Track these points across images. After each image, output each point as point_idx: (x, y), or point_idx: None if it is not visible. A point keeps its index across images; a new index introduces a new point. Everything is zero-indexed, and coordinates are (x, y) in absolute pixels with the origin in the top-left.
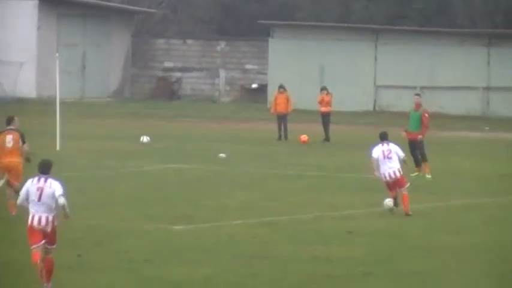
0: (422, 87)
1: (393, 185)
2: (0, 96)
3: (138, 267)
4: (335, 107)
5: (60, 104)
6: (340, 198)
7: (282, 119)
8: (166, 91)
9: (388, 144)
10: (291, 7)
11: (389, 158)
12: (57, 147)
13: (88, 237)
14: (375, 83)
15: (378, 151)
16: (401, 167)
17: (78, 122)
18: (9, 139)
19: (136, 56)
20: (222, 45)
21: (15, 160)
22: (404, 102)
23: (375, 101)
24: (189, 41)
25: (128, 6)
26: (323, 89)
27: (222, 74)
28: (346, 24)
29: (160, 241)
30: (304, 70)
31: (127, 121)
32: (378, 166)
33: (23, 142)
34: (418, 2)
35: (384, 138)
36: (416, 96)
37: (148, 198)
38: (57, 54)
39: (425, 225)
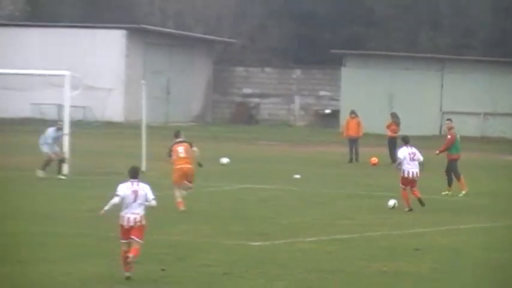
0: (485, 114)
1: (409, 183)
2: (90, 119)
3: (218, 280)
4: (403, 131)
5: (146, 127)
6: (407, 217)
7: (353, 142)
8: (245, 116)
9: (411, 148)
10: (362, 38)
11: (413, 160)
12: (143, 168)
13: (171, 252)
14: (441, 109)
15: (404, 152)
16: (420, 169)
17: (163, 144)
18: (181, 150)
19: (217, 83)
20: (297, 73)
21: (189, 166)
22: (468, 128)
23: (440, 126)
24: (267, 69)
25: (210, 37)
26: (392, 115)
27: (297, 100)
28: (413, 54)
29: (238, 256)
30: (374, 97)
31: (208, 144)
32: (402, 164)
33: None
34: (481, 32)
35: (407, 141)
36: (448, 121)
37: (227, 216)
38: (143, 81)
39: (486, 242)
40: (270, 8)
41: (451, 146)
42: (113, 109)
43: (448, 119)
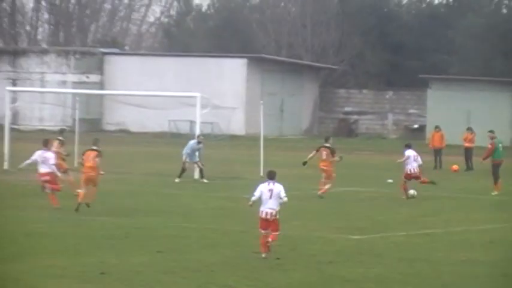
0: None
1: (412, 177)
2: (217, 133)
3: (324, 267)
4: (477, 143)
5: (263, 139)
6: (483, 215)
7: (437, 152)
8: (346, 130)
9: (413, 151)
10: (445, 64)
11: (416, 161)
12: (261, 173)
13: (285, 244)
14: (510, 125)
15: (410, 153)
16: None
17: (277, 153)
18: (324, 154)
19: (323, 102)
20: (390, 94)
21: (329, 169)
22: None
23: (510, 138)
24: (364, 91)
25: (317, 64)
26: (468, 129)
27: (390, 116)
28: (488, 78)
29: (340, 247)
30: (454, 114)
31: None
32: (407, 163)
33: (333, 155)
34: None
35: (410, 146)
36: (489, 133)
37: (331, 213)
38: (261, 101)
39: None
40: (367, 39)
41: (492, 153)
42: (236, 124)
43: (490, 131)
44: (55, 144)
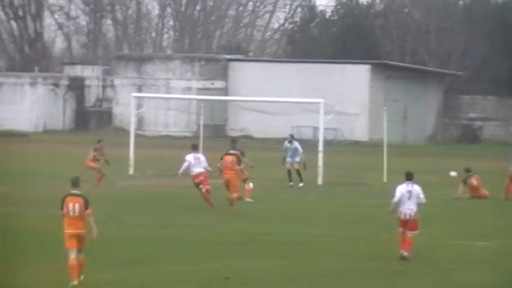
0: None
1: None
2: (340, 139)
3: (450, 274)
4: None
5: (387, 146)
6: None
7: None
8: (470, 136)
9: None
10: None
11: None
12: (384, 180)
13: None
14: None
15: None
16: None
17: (401, 160)
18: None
19: (447, 109)
20: None
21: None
22: None
23: None
24: (489, 97)
25: (441, 70)
26: None
27: None
28: None
29: (465, 254)
30: None
31: (438, 159)
32: None
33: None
34: None
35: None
36: None
37: (454, 219)
38: (384, 107)
39: None
40: (492, 45)
41: None
42: (359, 130)
43: None
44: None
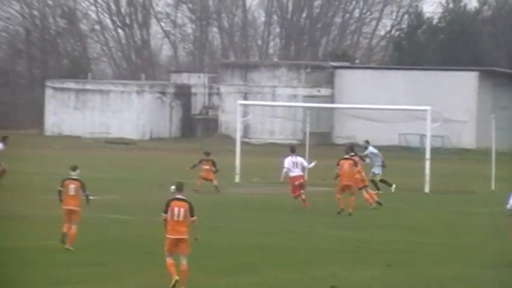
0: None
1: None
2: (448, 147)
3: None
4: None
5: (495, 153)
6: None
7: None
8: None
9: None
10: None
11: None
12: (492, 188)
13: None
14: None
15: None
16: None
17: (509, 168)
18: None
19: None
20: None
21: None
22: None
23: None
24: None
25: None
26: None
27: None
28: None
29: None
30: None
31: None
32: None
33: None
34: None
35: None
36: None
37: None
38: (493, 115)
39: None
40: None
41: None
42: (467, 138)
43: None
44: None
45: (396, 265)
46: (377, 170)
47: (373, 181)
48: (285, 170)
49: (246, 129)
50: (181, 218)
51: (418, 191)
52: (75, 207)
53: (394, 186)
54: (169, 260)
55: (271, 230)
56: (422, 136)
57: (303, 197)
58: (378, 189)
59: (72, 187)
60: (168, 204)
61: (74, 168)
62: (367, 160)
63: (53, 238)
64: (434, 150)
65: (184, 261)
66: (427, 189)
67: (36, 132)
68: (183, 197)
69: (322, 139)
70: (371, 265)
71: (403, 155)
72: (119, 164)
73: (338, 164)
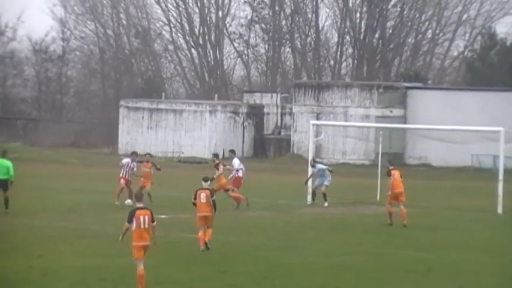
0: None
1: None
2: None
3: None
4: None
5: None
6: None
7: None
8: None
9: None
10: None
11: None
12: None
13: None
14: None
15: None
16: None
17: None
18: (203, 197)
19: None
20: None
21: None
22: None
23: None
24: None
25: None
26: None
27: None
28: None
29: None
30: None
31: None
32: None
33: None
34: None
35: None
36: None
37: None
38: None
39: None
40: None
41: None
42: None
43: None
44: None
45: (469, 287)
46: (327, 182)
47: (314, 192)
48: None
49: (318, 149)
50: (146, 226)
51: (490, 212)
52: (208, 213)
53: (327, 203)
54: (140, 268)
55: (342, 250)
56: (495, 157)
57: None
58: (314, 200)
59: (203, 195)
60: (132, 214)
61: (206, 180)
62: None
63: (125, 256)
64: (508, 171)
65: (142, 266)
66: (500, 210)
67: (110, 151)
68: (145, 206)
69: (395, 159)
70: (444, 287)
71: (475, 175)
72: (191, 183)
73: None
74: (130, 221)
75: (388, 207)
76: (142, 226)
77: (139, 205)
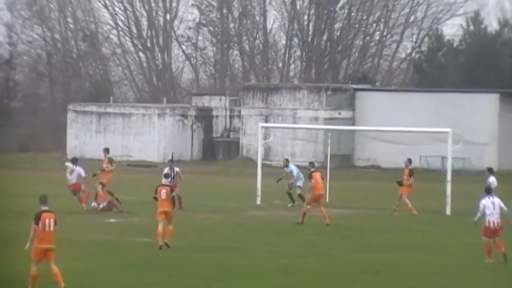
0: None
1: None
2: (469, 169)
3: None
4: None
5: None
6: None
7: None
8: None
9: None
10: None
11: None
12: None
13: None
14: None
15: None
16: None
17: None
18: (163, 193)
19: None
20: None
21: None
22: None
23: None
24: None
25: None
26: None
27: None
28: None
29: None
30: None
31: None
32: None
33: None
34: None
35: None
36: None
37: None
38: None
39: None
40: None
41: None
42: (488, 160)
43: None
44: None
45: None
46: (299, 183)
47: (289, 194)
48: None
49: (267, 151)
50: (52, 228)
51: (439, 213)
52: (168, 208)
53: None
54: (35, 269)
55: (293, 253)
56: (444, 158)
57: None
58: (293, 201)
59: (163, 192)
60: (39, 217)
61: (167, 176)
62: None
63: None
64: (456, 172)
65: (54, 266)
66: (448, 211)
67: (58, 155)
68: (50, 209)
69: (343, 161)
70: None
71: (424, 177)
72: (140, 186)
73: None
74: (37, 223)
75: (306, 207)
76: (47, 228)
77: (44, 208)
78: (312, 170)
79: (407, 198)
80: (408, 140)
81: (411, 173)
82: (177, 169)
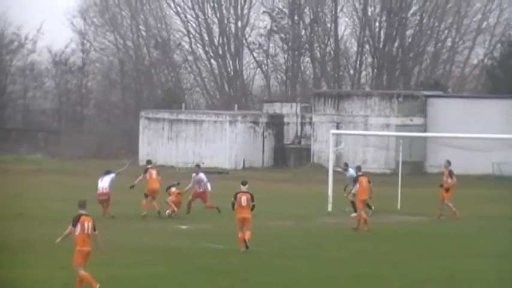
0: None
1: None
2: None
3: None
4: None
5: None
6: None
7: None
8: None
9: None
10: None
11: None
12: None
13: None
14: None
15: None
16: None
17: None
18: (244, 200)
19: None
20: None
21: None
22: None
23: None
24: None
25: None
26: None
27: None
28: None
29: None
30: None
31: None
32: None
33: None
34: None
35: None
36: None
37: None
38: None
39: None
40: None
41: None
42: None
43: None
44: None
45: None
46: (354, 190)
47: (352, 202)
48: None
49: (339, 158)
50: (89, 231)
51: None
52: (247, 215)
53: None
54: (82, 272)
55: (365, 260)
56: None
57: None
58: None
59: (244, 199)
60: (77, 220)
61: (244, 183)
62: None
63: (146, 265)
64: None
65: (83, 271)
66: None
67: (130, 162)
68: (87, 213)
69: (415, 168)
70: None
71: (497, 184)
72: (212, 193)
73: None
74: (74, 225)
75: (363, 214)
76: (86, 231)
77: (83, 212)
78: (359, 174)
79: (450, 202)
80: (481, 146)
81: (451, 174)
82: (201, 175)
